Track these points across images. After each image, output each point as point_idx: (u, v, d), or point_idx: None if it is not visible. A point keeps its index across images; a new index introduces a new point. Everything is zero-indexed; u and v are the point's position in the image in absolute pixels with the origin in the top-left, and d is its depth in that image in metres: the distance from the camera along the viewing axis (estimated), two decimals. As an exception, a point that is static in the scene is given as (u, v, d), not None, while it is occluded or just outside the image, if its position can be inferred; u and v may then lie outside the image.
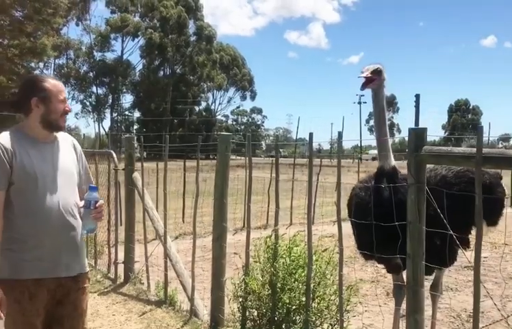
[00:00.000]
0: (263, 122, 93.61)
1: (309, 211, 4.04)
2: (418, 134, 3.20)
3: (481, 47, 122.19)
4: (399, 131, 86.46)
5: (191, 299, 5.22)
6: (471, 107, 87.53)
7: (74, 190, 2.80)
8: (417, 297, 3.28)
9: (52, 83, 2.71)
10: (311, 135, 3.93)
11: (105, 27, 63.84)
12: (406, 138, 3.24)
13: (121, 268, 6.64)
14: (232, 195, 6.86)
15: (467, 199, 3.31)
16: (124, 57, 67.22)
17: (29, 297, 2.59)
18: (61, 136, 2.82)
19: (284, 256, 4.23)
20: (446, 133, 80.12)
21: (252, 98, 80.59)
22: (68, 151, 2.82)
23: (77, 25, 53.22)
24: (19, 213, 2.57)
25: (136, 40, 65.52)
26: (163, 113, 64.25)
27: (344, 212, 3.95)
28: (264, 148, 79.64)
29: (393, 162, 3.58)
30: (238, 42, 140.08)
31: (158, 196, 10.38)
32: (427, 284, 3.95)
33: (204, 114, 74.38)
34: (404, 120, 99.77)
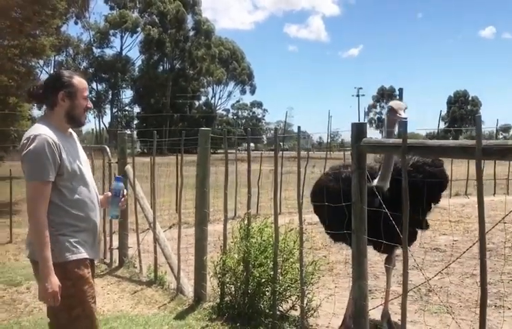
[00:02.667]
0: (263, 116, 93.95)
1: (275, 194, 4.67)
2: (359, 128, 3.73)
3: (480, 38, 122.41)
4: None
5: (177, 278, 5.79)
6: (470, 98, 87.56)
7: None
8: (361, 267, 3.81)
9: (78, 79, 2.85)
10: (275, 130, 4.52)
11: (104, 24, 64.38)
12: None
13: (116, 254, 7.23)
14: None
15: (414, 186, 3.86)
16: (124, 53, 67.83)
17: (84, 277, 2.73)
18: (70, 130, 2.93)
19: (255, 236, 4.81)
20: (446, 125, 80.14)
21: (252, 92, 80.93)
22: (79, 144, 2.97)
23: (76, 23, 53.61)
24: (69, 200, 2.70)
25: (135, 35, 66.13)
26: (163, 108, 64.69)
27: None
28: (265, 142, 79.98)
29: None
30: (238, 36, 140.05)
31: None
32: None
33: (204, 108, 74.79)
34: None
